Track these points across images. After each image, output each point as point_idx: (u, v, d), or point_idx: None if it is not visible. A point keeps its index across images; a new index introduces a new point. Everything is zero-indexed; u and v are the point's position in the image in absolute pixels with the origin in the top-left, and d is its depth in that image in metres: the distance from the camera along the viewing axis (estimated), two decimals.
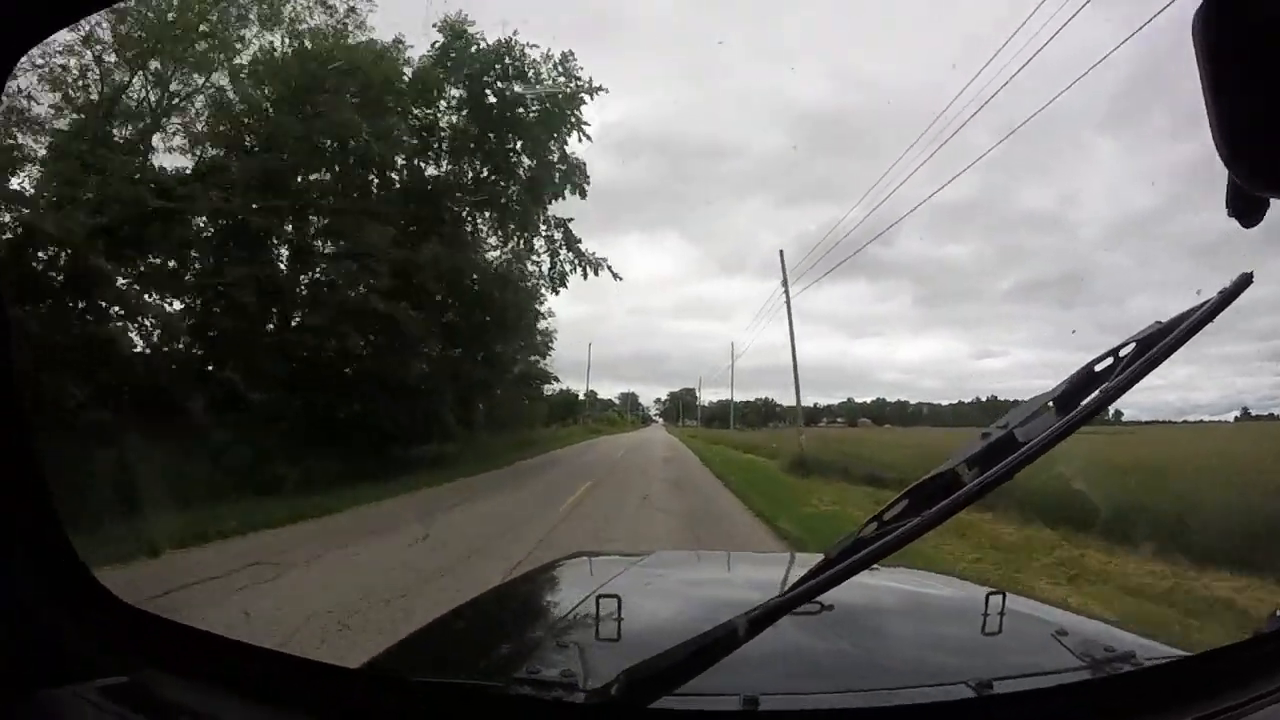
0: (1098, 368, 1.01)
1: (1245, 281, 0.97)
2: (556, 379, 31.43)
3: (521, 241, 20.64)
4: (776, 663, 1.17)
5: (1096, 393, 0.96)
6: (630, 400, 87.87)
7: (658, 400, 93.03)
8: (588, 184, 19.74)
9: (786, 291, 24.16)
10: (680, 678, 0.90)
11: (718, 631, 0.91)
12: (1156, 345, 0.95)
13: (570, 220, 20.50)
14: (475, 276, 18.86)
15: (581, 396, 56.80)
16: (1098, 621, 1.63)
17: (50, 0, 1.01)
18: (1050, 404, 1.00)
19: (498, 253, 20.78)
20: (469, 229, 19.45)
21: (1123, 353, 0.99)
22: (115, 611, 1.13)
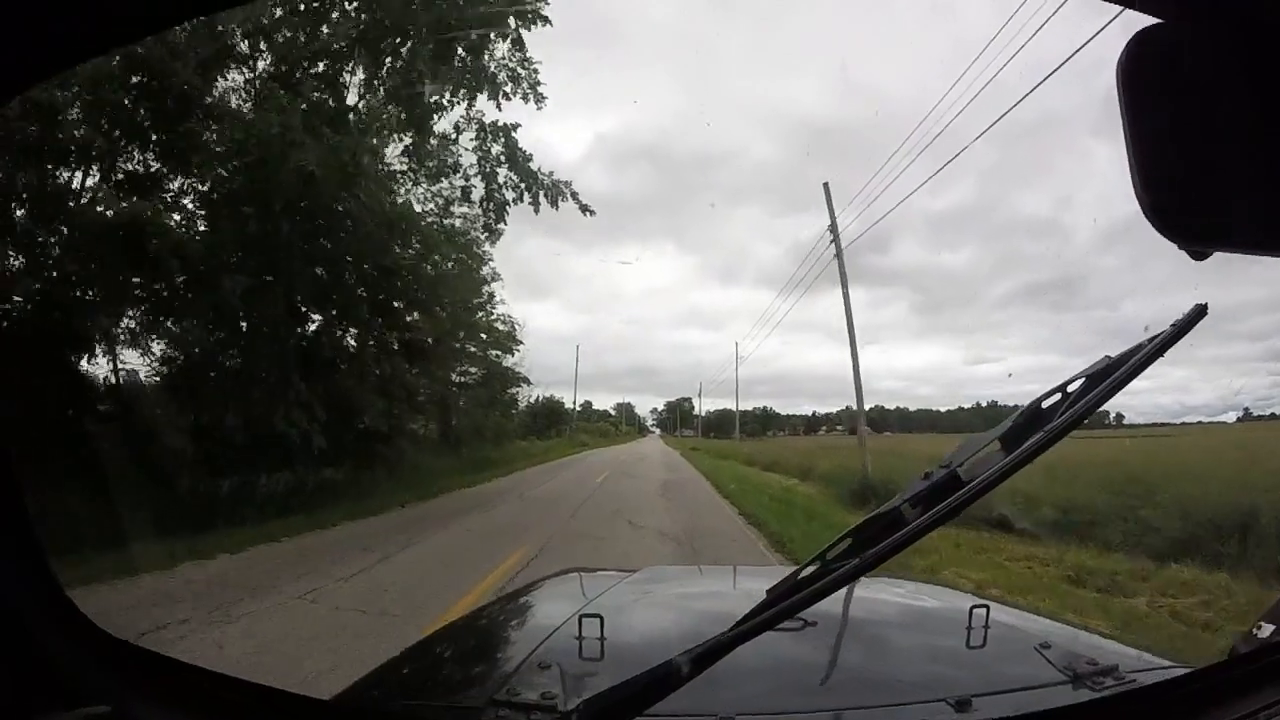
0: (1045, 404, 1.00)
1: (1199, 313, 0.97)
2: (527, 381, 26.22)
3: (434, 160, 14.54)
4: (756, 679, 1.17)
5: (1040, 433, 0.95)
6: (626, 411, 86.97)
7: (654, 410, 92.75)
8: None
9: (835, 235, 18.93)
10: (633, 710, 0.90)
11: (658, 671, 0.91)
12: (1105, 380, 0.95)
13: (517, 127, 14.53)
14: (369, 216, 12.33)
15: (569, 404, 54.18)
16: (1082, 632, 1.64)
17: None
18: (996, 442, 1.00)
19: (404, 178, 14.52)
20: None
21: (1070, 388, 0.99)
22: (97, 641, 1.13)
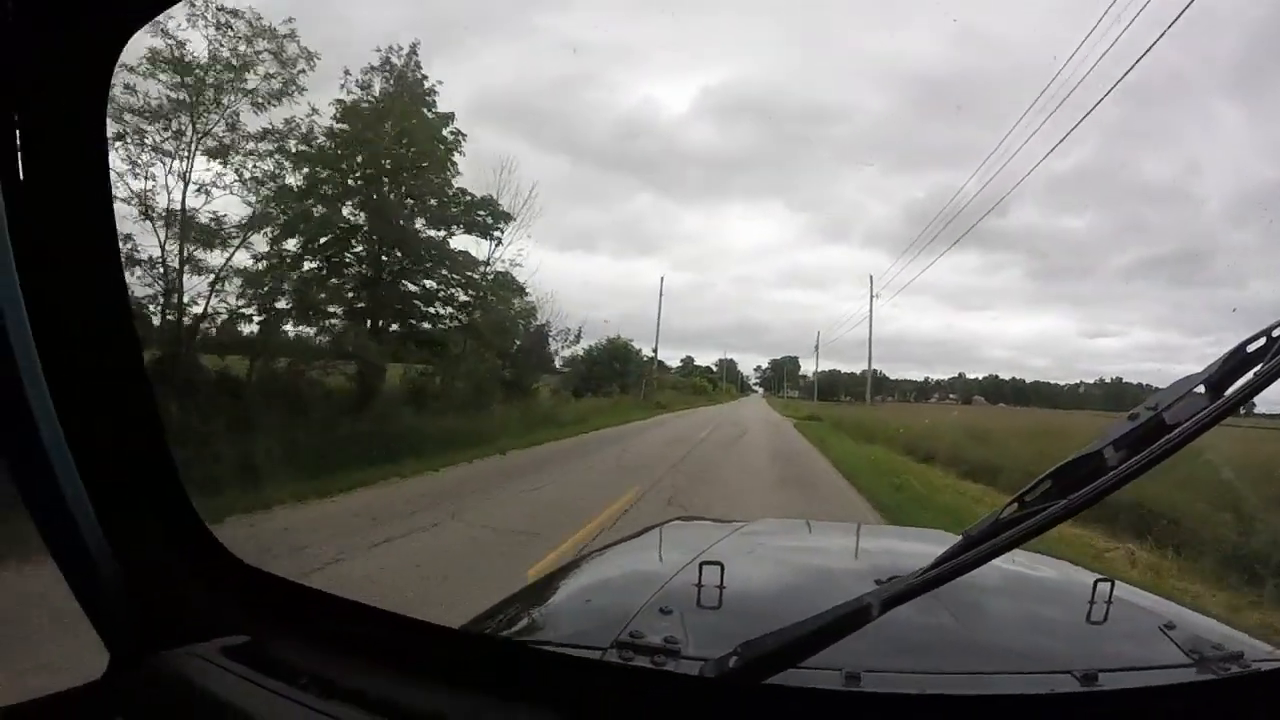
0: (1250, 348, 0.96)
1: None
2: (525, 294, 19.84)
3: None
4: (878, 638, 1.14)
5: (1250, 374, 0.92)
6: (726, 367, 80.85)
7: (758, 369, 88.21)
8: None
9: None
10: (801, 654, 0.91)
11: (846, 608, 0.92)
12: None
13: None
14: None
15: (647, 353, 41.72)
16: (1207, 618, 1.59)
17: None
18: (1200, 387, 0.96)
19: None
20: None
21: (1276, 333, 0.94)
22: (236, 572, 1.18)
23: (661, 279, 45.64)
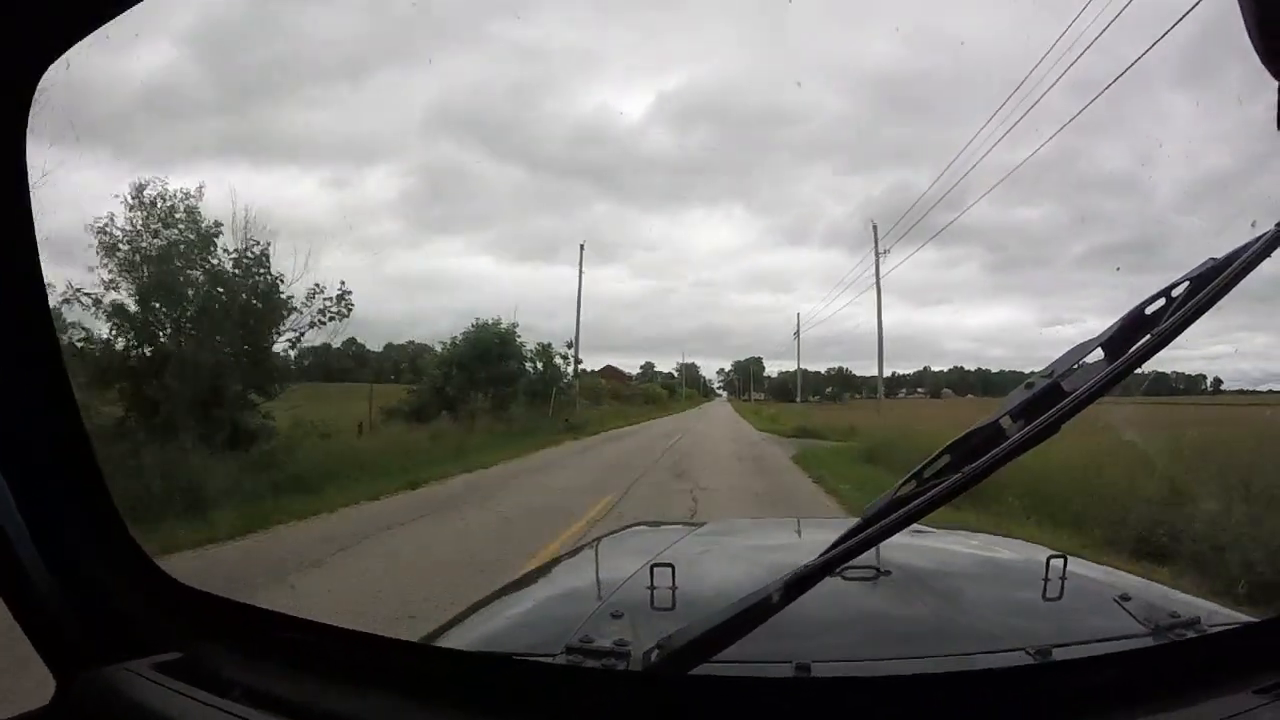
0: (1149, 310, 0.98)
1: None
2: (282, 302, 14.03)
3: None
4: (831, 629, 1.19)
5: (1148, 336, 0.93)
6: (687, 372, 79.51)
7: (721, 372, 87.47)
8: None
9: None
10: (718, 645, 0.92)
11: (752, 599, 0.93)
12: (1211, 283, 0.92)
13: None
14: None
15: (562, 358, 31.55)
16: (1162, 586, 1.62)
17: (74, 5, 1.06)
18: (1096, 350, 0.98)
19: None
20: None
21: (1175, 292, 0.96)
22: (169, 588, 1.18)
23: (581, 247, 36.92)
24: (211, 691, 1.01)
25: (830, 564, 0.92)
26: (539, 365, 29.97)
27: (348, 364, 30.32)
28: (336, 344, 17.92)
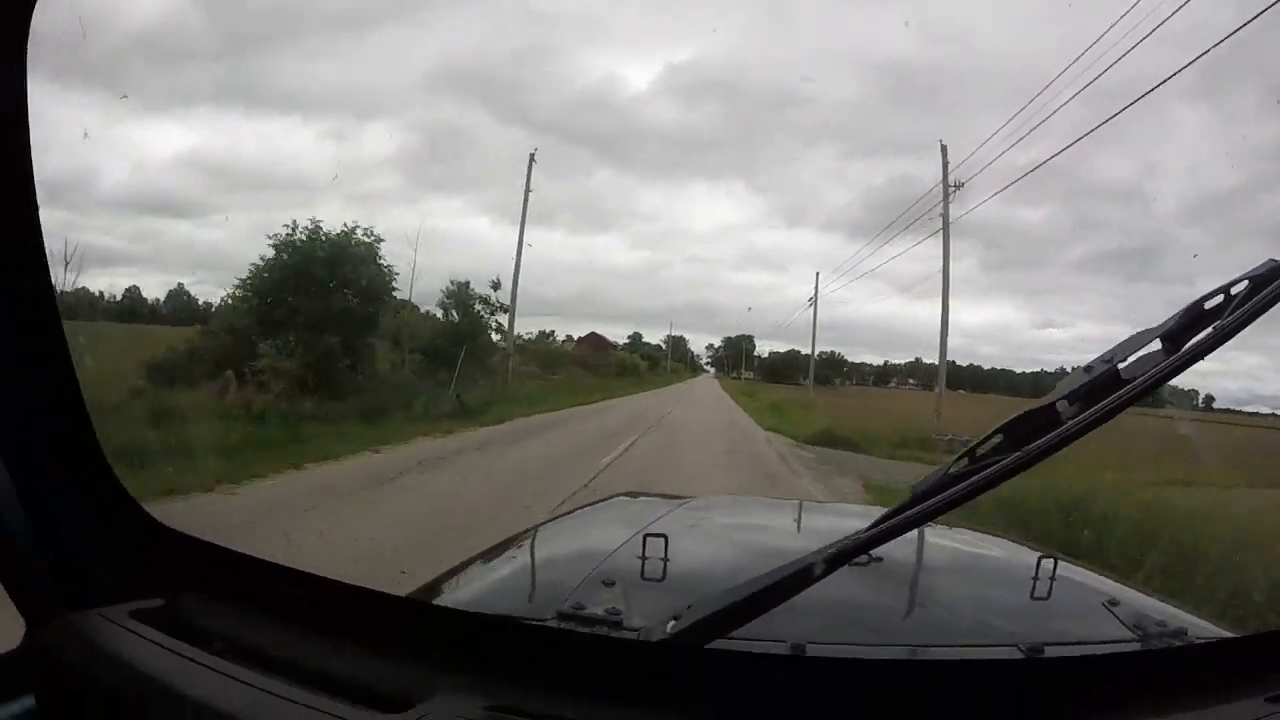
0: (1207, 305, 0.98)
1: None
2: None
3: None
4: (824, 612, 1.18)
5: (1209, 330, 0.94)
6: (674, 344, 73.42)
7: (710, 347, 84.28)
8: None
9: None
10: (746, 617, 0.92)
11: (791, 568, 0.92)
12: (1271, 284, 0.93)
13: None
14: None
15: (484, 305, 23.72)
16: (1149, 597, 1.63)
17: None
18: (1155, 341, 0.97)
19: None
20: None
21: (1234, 290, 0.96)
22: (152, 533, 1.15)
23: (531, 157, 25.44)
24: (190, 642, 0.98)
25: (877, 539, 0.92)
26: (453, 314, 22.97)
27: None
28: None
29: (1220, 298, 0.98)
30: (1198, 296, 0.99)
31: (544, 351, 33.98)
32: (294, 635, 1.01)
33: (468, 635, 1.03)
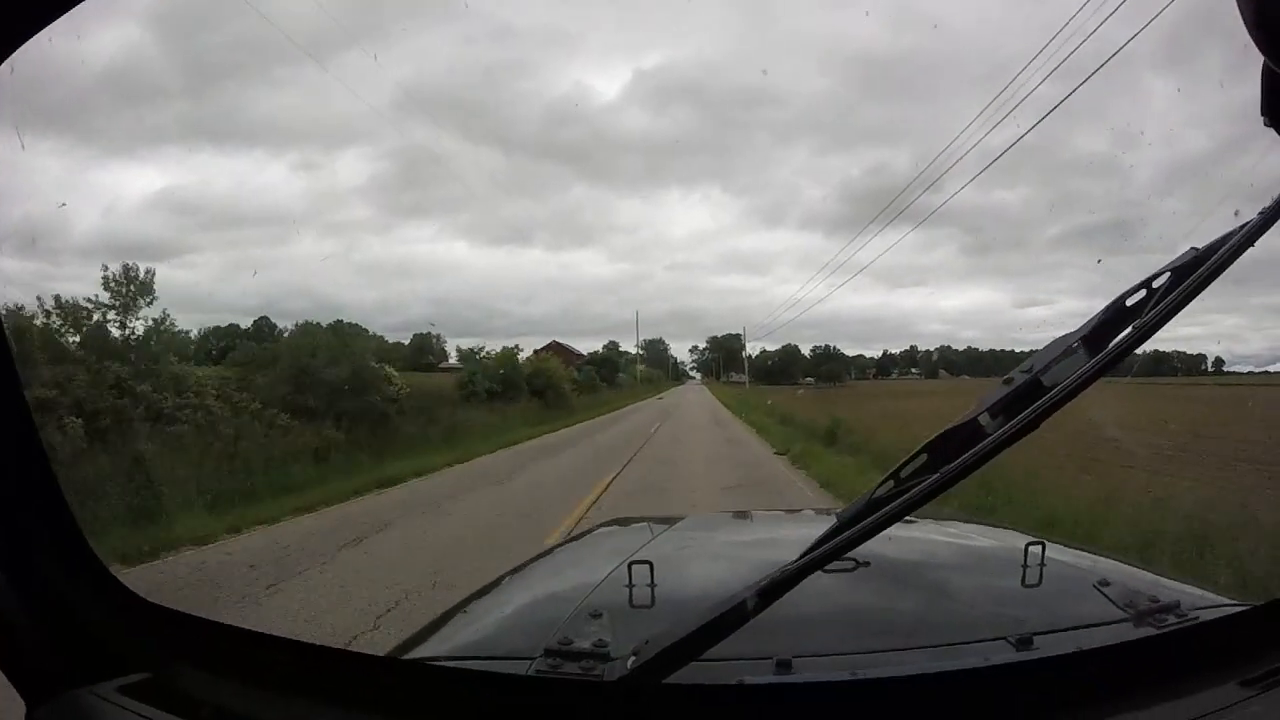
0: (1129, 302, 0.99)
1: None
2: None
3: None
4: (811, 623, 1.20)
5: (1129, 329, 0.94)
6: (654, 350, 68.89)
7: (694, 350, 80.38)
8: None
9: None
10: (693, 651, 0.92)
11: (726, 604, 0.93)
12: (1193, 274, 0.93)
13: None
14: None
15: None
16: (1140, 570, 1.65)
17: None
18: (1077, 344, 0.99)
19: None
20: None
21: (1156, 284, 0.97)
22: (135, 608, 1.18)
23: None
24: (178, 714, 1.01)
25: (806, 568, 0.93)
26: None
27: None
28: None
29: (1142, 293, 0.99)
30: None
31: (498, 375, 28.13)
32: (280, 701, 1.04)
33: (448, 691, 1.06)
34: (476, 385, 26.21)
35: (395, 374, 20.61)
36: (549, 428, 25.19)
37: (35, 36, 1.03)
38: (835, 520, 0.98)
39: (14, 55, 1.04)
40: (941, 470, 0.90)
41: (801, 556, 0.94)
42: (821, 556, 0.92)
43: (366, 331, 23.50)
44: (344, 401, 17.12)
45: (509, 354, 30.27)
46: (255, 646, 1.17)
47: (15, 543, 1.08)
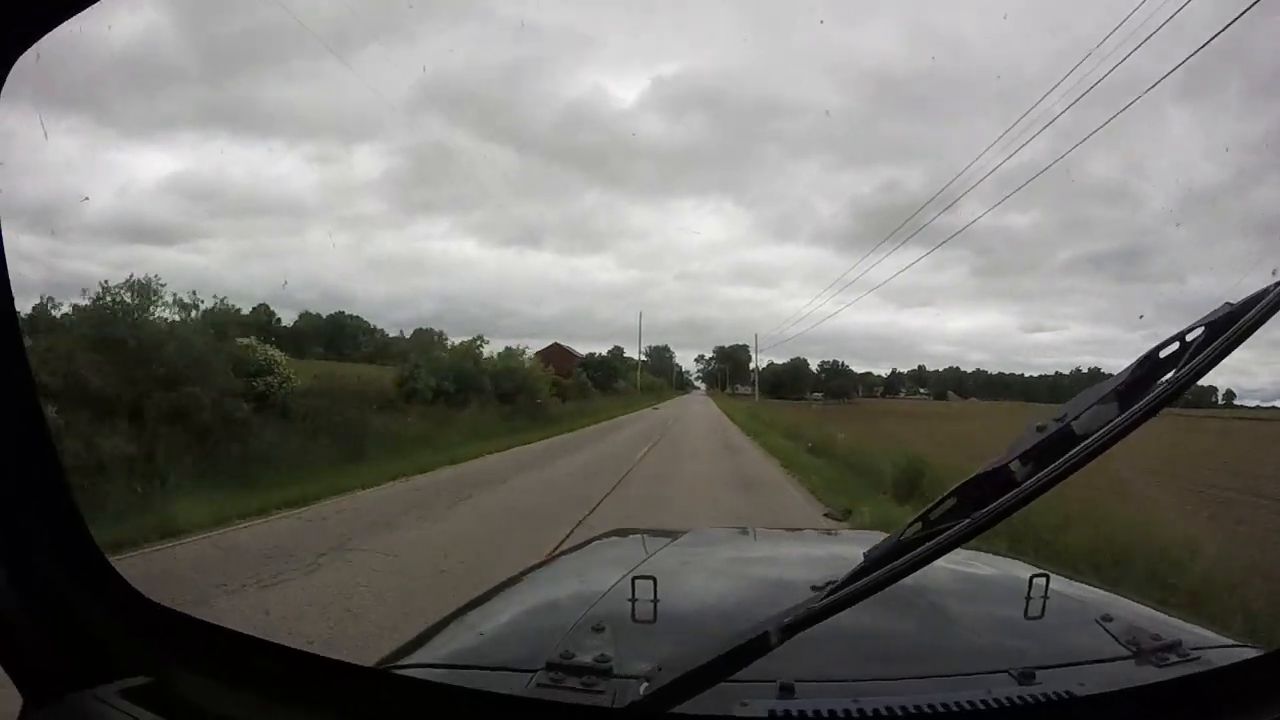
0: (1162, 354, 0.99)
1: None
2: None
3: None
4: (813, 646, 1.16)
5: (1163, 383, 0.95)
6: (659, 358, 67.68)
7: (700, 359, 77.12)
8: None
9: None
10: (708, 682, 0.93)
11: (747, 636, 0.93)
12: (1228, 330, 0.93)
13: None
14: None
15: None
16: (1143, 606, 1.64)
17: None
18: (1111, 394, 0.98)
19: None
20: None
21: (1190, 337, 0.97)
22: (135, 607, 1.18)
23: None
24: None
25: (831, 607, 0.93)
26: None
27: None
28: None
29: (1175, 345, 0.99)
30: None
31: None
32: (281, 712, 1.04)
33: (450, 709, 1.06)
34: (419, 382, 21.08)
35: (280, 358, 16.01)
36: (494, 446, 19.03)
37: (63, 24, 1.06)
38: (862, 559, 0.98)
39: (39, 42, 1.06)
40: (973, 515, 0.90)
41: (827, 595, 0.94)
42: (848, 596, 0.92)
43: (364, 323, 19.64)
44: (157, 394, 12.11)
45: (467, 347, 25.93)
46: (254, 653, 1.16)
47: (15, 542, 1.08)
